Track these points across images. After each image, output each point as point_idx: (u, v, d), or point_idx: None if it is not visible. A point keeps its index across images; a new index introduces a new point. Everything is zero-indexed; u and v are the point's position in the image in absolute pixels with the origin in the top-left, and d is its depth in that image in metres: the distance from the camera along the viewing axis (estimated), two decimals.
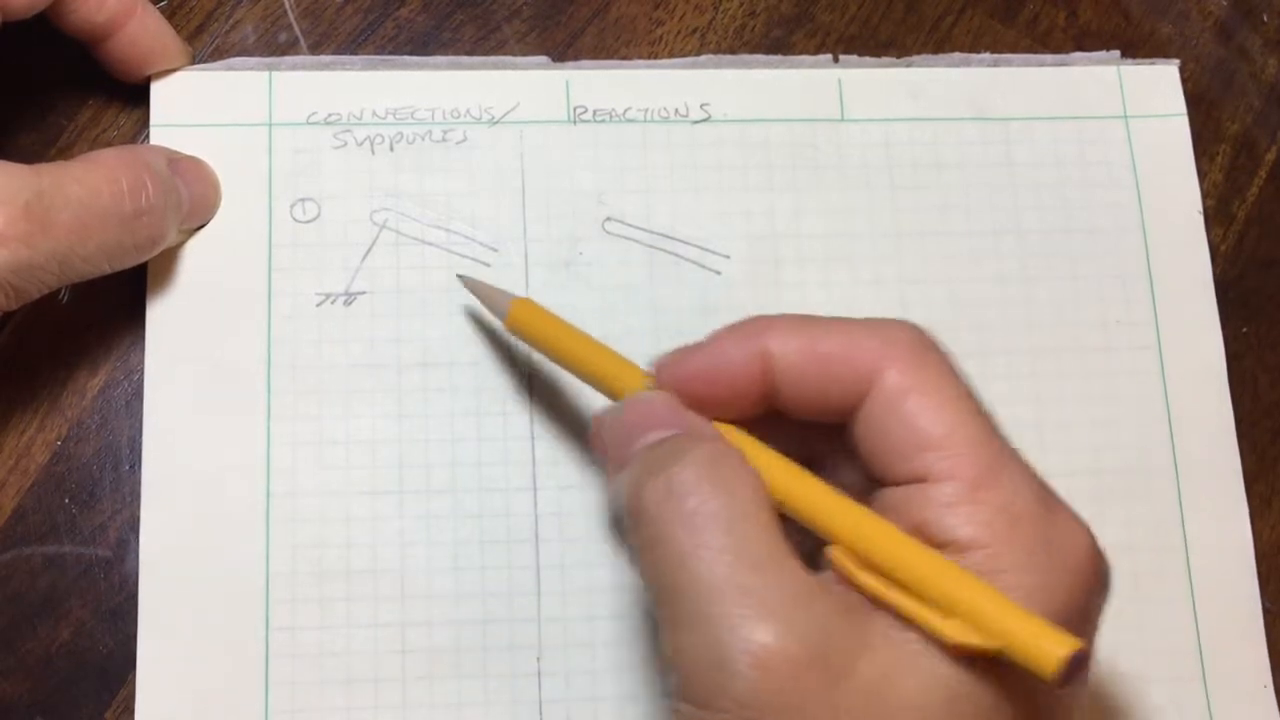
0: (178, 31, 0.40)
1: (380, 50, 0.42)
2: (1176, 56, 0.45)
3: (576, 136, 0.42)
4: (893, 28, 0.45)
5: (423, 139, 0.41)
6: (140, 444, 0.38)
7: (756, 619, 0.27)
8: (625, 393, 0.34)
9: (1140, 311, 0.42)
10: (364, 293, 0.40)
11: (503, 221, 0.41)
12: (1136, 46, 0.46)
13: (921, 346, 0.30)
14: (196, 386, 0.38)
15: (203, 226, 0.40)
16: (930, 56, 0.44)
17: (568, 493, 0.39)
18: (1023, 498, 0.28)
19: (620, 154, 0.42)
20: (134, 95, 0.41)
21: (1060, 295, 0.42)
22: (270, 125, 0.41)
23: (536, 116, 0.42)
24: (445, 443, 0.39)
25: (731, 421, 0.32)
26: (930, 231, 0.42)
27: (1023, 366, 0.42)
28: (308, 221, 0.40)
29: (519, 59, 0.42)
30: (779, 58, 0.44)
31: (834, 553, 0.29)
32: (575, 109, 0.42)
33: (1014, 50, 0.45)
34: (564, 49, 0.43)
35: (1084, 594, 0.29)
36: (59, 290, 0.37)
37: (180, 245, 0.39)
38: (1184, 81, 0.45)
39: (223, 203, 0.40)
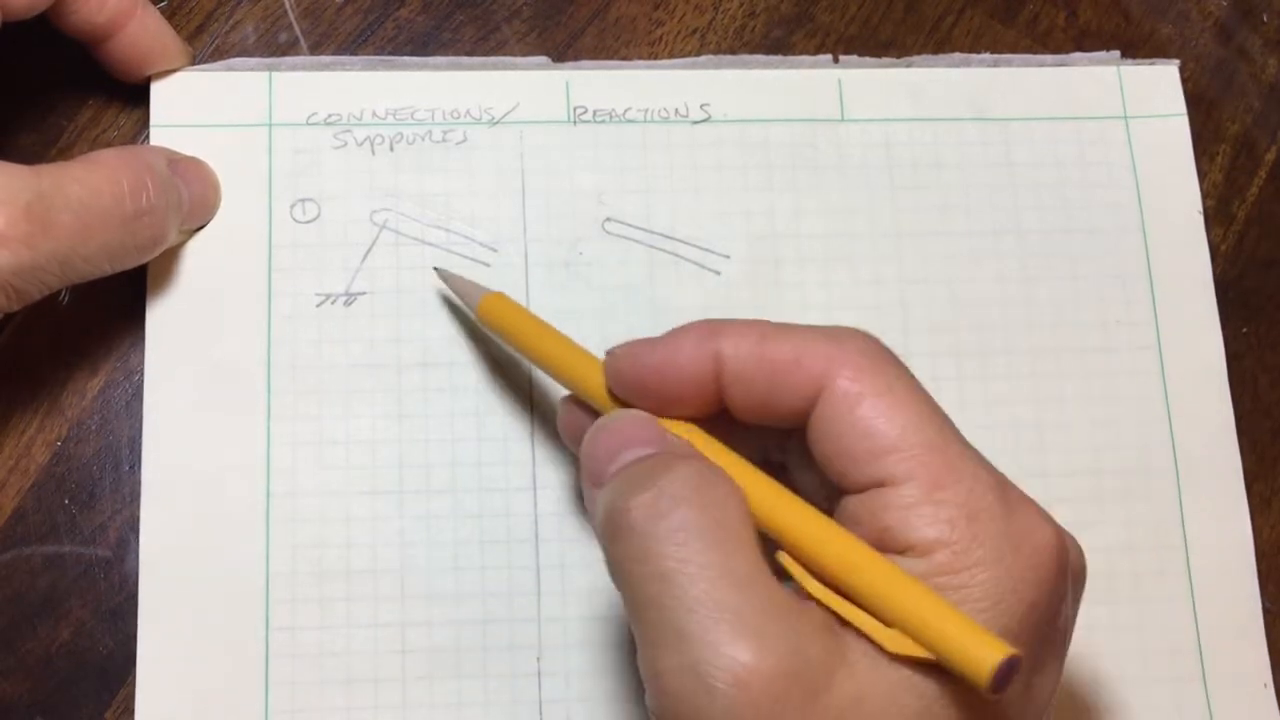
0: (178, 32, 0.40)
1: (380, 51, 0.42)
2: (1176, 56, 0.45)
3: (576, 136, 0.42)
4: (893, 28, 0.45)
5: (423, 139, 0.41)
6: (140, 444, 0.38)
7: (736, 637, 0.27)
8: (597, 391, 0.34)
9: (1140, 311, 0.42)
10: (364, 293, 0.40)
11: (503, 221, 0.41)
12: (1136, 46, 0.46)
13: (873, 352, 0.30)
14: (196, 386, 0.38)
15: (203, 227, 0.40)
16: (930, 57, 0.44)
17: (568, 493, 0.39)
18: (982, 495, 0.28)
19: (620, 154, 0.42)
20: (134, 95, 0.41)
21: (1060, 295, 0.42)
22: (270, 125, 0.41)
23: (536, 117, 0.42)
24: (445, 443, 0.39)
25: (692, 420, 0.32)
26: (930, 231, 0.42)
27: (1023, 366, 0.42)
28: (308, 222, 0.40)
29: (519, 59, 0.43)
30: (779, 58, 0.44)
31: (782, 559, 0.29)
32: (575, 109, 0.42)
33: (1014, 50, 0.45)
34: (564, 49, 0.43)
35: (1053, 585, 0.29)
36: (59, 291, 0.37)
37: (180, 245, 0.39)
38: (1184, 82, 0.45)
39: (223, 203, 0.40)
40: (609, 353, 0.33)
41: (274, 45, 0.42)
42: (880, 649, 0.27)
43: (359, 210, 0.40)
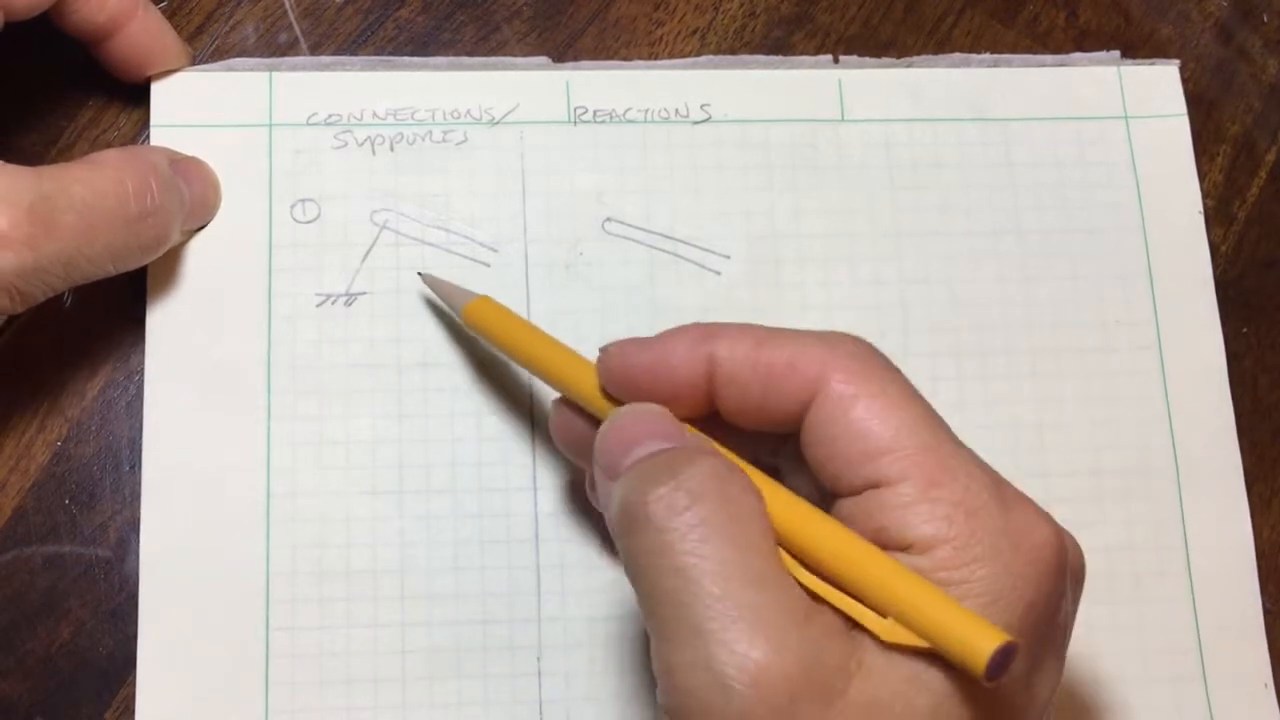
0: (178, 32, 0.40)
1: (380, 51, 0.42)
2: (1176, 57, 0.45)
3: (576, 137, 0.42)
4: (893, 28, 0.45)
5: (423, 139, 0.41)
6: (140, 444, 0.38)
7: (753, 635, 0.27)
8: (584, 391, 0.34)
9: (1140, 311, 0.42)
10: (364, 293, 0.40)
11: (503, 221, 0.41)
12: (1136, 47, 0.46)
13: (865, 355, 0.30)
14: (196, 386, 0.38)
15: (203, 227, 0.40)
16: (930, 57, 0.44)
17: (568, 493, 0.39)
18: (979, 493, 0.28)
19: (620, 154, 0.42)
20: (134, 96, 0.41)
21: (1060, 295, 0.42)
22: (270, 126, 0.41)
23: (537, 117, 0.42)
24: (445, 443, 0.39)
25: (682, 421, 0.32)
26: (930, 231, 0.42)
27: (1023, 366, 0.42)
28: (308, 222, 0.40)
29: (519, 59, 0.43)
30: (779, 58, 0.44)
31: (779, 553, 0.29)
32: (575, 109, 0.42)
33: (1014, 51, 0.45)
34: (564, 49, 0.43)
35: (1053, 583, 0.29)
36: (62, 293, 0.37)
37: (181, 246, 0.39)
38: (1184, 82, 0.45)
39: (223, 203, 0.40)
40: (602, 350, 0.33)
41: (274, 45, 0.42)
42: (876, 639, 0.28)
43: (359, 210, 0.40)
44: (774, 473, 0.33)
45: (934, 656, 0.27)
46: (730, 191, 0.42)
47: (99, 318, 0.39)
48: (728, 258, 0.41)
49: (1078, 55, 0.45)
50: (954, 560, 0.28)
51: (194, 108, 0.40)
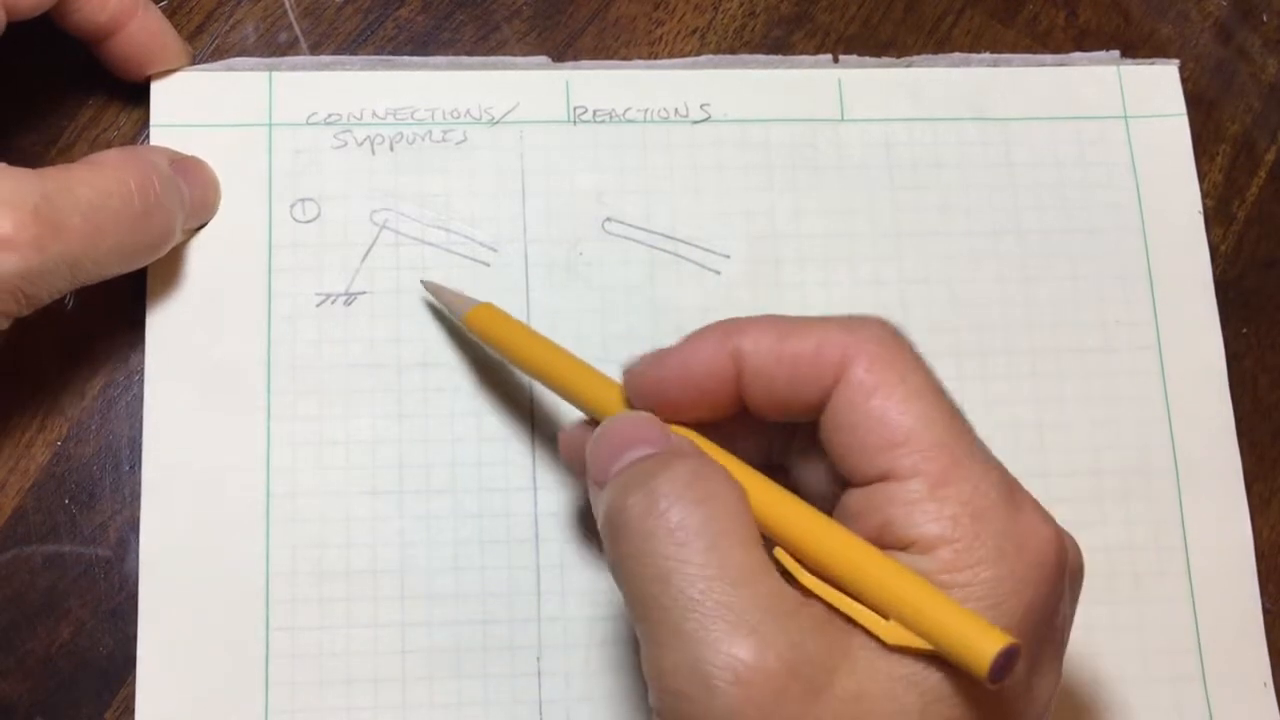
0: (178, 31, 0.40)
1: (380, 50, 0.42)
2: (1176, 56, 0.45)
3: (576, 136, 0.42)
4: (893, 28, 0.45)
5: (423, 139, 0.41)
6: (140, 444, 0.38)
7: (735, 635, 0.27)
8: (587, 397, 0.34)
9: (1140, 311, 0.42)
10: (364, 293, 0.40)
11: (503, 221, 0.41)
12: (1136, 46, 0.46)
13: (889, 341, 0.30)
14: (196, 386, 0.38)
15: (203, 226, 0.40)
16: (930, 56, 0.44)
17: (568, 493, 0.39)
18: (987, 493, 0.29)
19: (620, 154, 0.42)
20: (134, 95, 0.41)
21: (1060, 295, 0.42)
22: (270, 125, 0.41)
23: (536, 116, 0.42)
24: (445, 443, 0.39)
25: (704, 423, 0.32)
26: (930, 231, 0.42)
27: (1023, 366, 0.42)
28: (308, 221, 0.40)
29: (519, 59, 0.43)
30: (779, 58, 0.44)
31: (779, 554, 0.29)
32: (575, 109, 0.42)
33: (1014, 50, 0.45)
34: (564, 49, 0.43)
35: (1053, 585, 0.29)
36: (65, 295, 0.37)
37: (181, 246, 0.39)
38: (1184, 81, 0.45)
39: (223, 203, 0.40)
40: (626, 370, 0.33)
41: (274, 45, 0.42)
42: (879, 641, 0.28)
43: (359, 210, 0.40)
44: (781, 470, 0.33)
45: (927, 655, 0.27)
46: (730, 191, 0.42)
47: (99, 318, 0.39)
48: (728, 258, 0.41)
49: (1078, 55, 0.45)
50: (957, 563, 0.28)
51: (194, 107, 0.40)
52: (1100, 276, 0.43)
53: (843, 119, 0.43)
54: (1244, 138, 0.46)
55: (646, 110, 0.42)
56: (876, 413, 0.29)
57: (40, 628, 0.37)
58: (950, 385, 0.41)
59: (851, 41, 0.44)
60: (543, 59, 0.43)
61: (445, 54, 0.43)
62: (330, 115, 0.41)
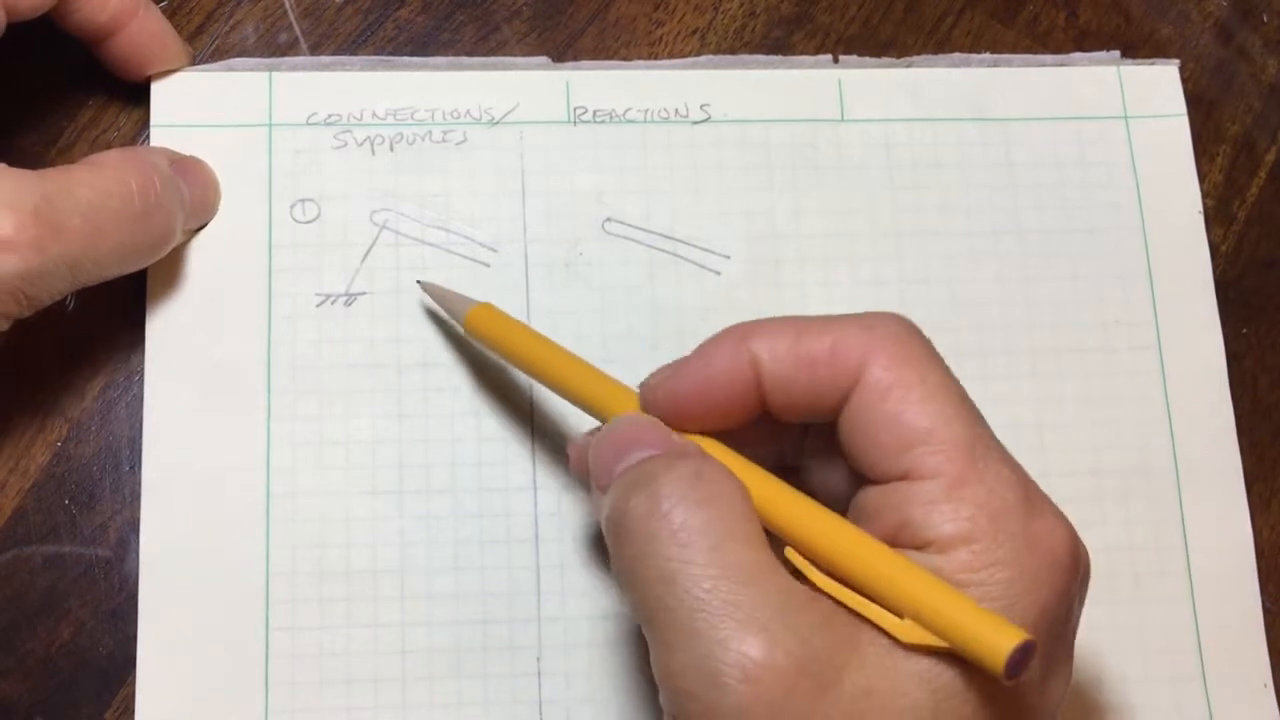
0: (178, 31, 0.40)
1: (380, 51, 0.42)
2: (1176, 57, 0.45)
3: (576, 137, 0.42)
4: (893, 28, 0.45)
5: (423, 139, 0.41)
6: (140, 444, 0.38)
7: (744, 633, 0.27)
8: (589, 397, 0.34)
9: (1140, 311, 0.42)
10: (364, 293, 0.40)
11: (503, 222, 0.41)
12: (1136, 47, 0.46)
13: (906, 339, 0.30)
14: (196, 386, 0.38)
15: (204, 227, 0.40)
16: (930, 57, 0.44)
17: (568, 493, 0.39)
18: (1004, 494, 0.29)
19: (620, 154, 0.42)
20: (134, 95, 0.41)
21: (1060, 295, 0.42)
22: (270, 126, 0.41)
23: (536, 117, 0.42)
24: (445, 443, 0.39)
25: (726, 430, 0.32)
26: (930, 231, 0.42)
27: (1023, 366, 0.42)
28: (308, 222, 0.40)
29: (519, 59, 0.43)
30: (779, 58, 0.44)
31: (790, 554, 0.29)
32: (575, 109, 0.42)
33: (1014, 50, 0.45)
34: (564, 49, 0.43)
35: (1066, 587, 0.29)
36: (65, 296, 0.37)
37: (181, 246, 0.39)
38: (1184, 82, 0.45)
39: (223, 203, 0.40)
40: (643, 386, 0.33)
41: (274, 45, 0.42)
42: (894, 640, 0.27)
43: (359, 210, 0.40)
44: (794, 471, 0.33)
45: (939, 652, 0.27)
46: (730, 191, 0.42)
47: (99, 318, 0.39)
48: (728, 258, 0.41)
49: (1078, 55, 0.45)
50: (973, 563, 0.28)
51: (194, 108, 0.40)
52: (1100, 276, 0.43)
53: (843, 119, 0.43)
54: (1244, 138, 0.46)
55: (646, 110, 0.42)
56: (894, 412, 0.29)
57: (40, 628, 0.37)
58: None
59: (851, 42, 0.44)
60: (543, 59, 0.43)
61: (445, 54, 0.43)
62: (330, 115, 0.41)
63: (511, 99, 0.42)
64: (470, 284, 0.40)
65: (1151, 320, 0.42)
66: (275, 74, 0.41)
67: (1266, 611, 0.41)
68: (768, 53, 0.44)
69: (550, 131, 0.42)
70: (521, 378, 0.39)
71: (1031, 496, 0.29)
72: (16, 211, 0.33)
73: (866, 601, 0.28)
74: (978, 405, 0.41)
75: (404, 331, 0.40)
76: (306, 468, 0.38)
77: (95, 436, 0.39)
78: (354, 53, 0.42)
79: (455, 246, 0.41)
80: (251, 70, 0.41)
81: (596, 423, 0.34)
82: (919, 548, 0.28)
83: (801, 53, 0.44)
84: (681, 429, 0.32)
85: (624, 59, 0.43)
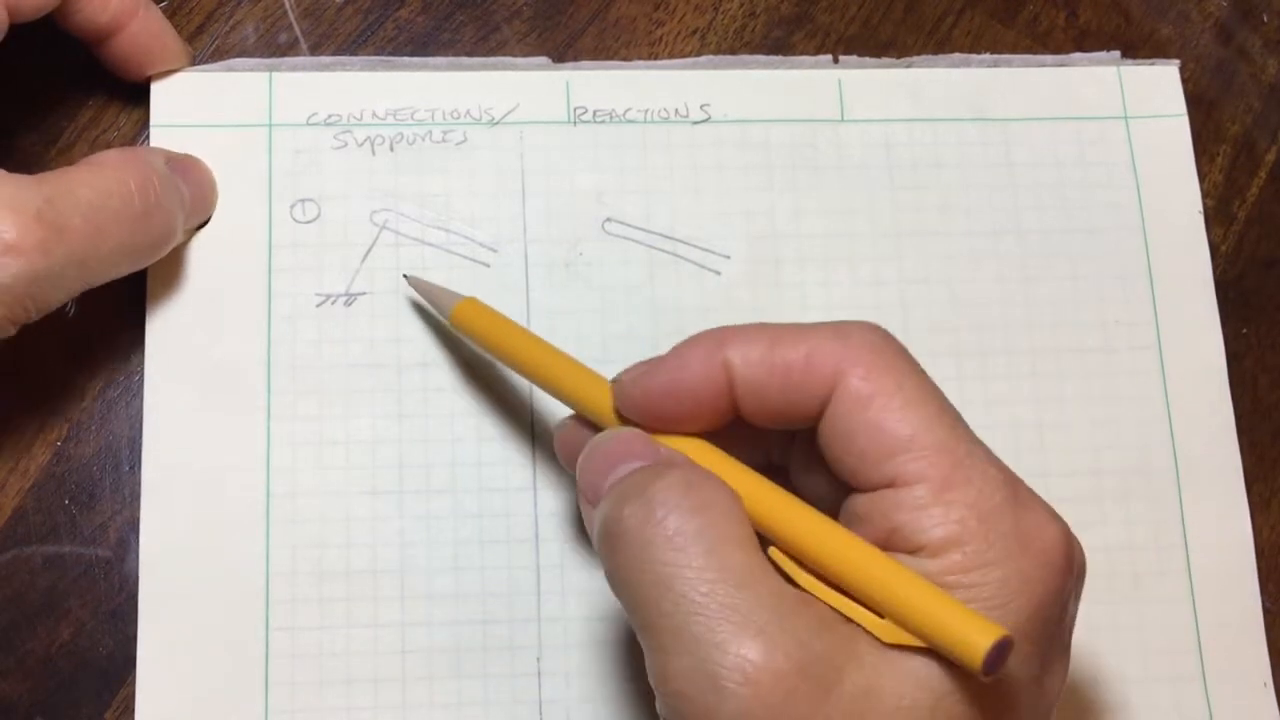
0: (178, 32, 0.40)
1: (380, 51, 0.42)
2: (1176, 57, 0.45)
3: (576, 137, 0.42)
4: (893, 28, 0.45)
5: (423, 139, 0.41)
6: (140, 444, 0.38)
7: (743, 636, 0.27)
8: (575, 393, 0.34)
9: (1140, 311, 0.42)
10: (364, 293, 0.40)
11: (503, 222, 0.41)
12: (1136, 47, 0.46)
13: (883, 348, 0.30)
14: (196, 386, 0.38)
15: (204, 225, 0.40)
16: (930, 57, 0.44)
17: (567, 493, 0.39)
18: (992, 494, 0.29)
19: (620, 154, 0.42)
20: (134, 95, 0.41)
21: (1060, 295, 0.42)
22: (270, 126, 0.41)
23: (536, 117, 0.42)
24: (445, 443, 0.39)
25: (697, 433, 0.32)
26: (930, 231, 0.42)
27: (1023, 366, 0.42)
28: (308, 222, 0.40)
29: (519, 59, 0.43)
30: (779, 58, 0.44)
31: (774, 553, 0.29)
32: (575, 109, 0.42)
33: (1014, 51, 0.45)
34: (564, 49, 0.43)
35: (1060, 584, 0.29)
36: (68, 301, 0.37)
37: (181, 246, 0.39)
38: (1184, 82, 0.45)
39: (223, 203, 0.40)
40: (615, 381, 0.33)
41: (274, 45, 0.42)
42: (875, 639, 0.28)
43: (359, 210, 0.40)
44: (782, 471, 0.33)
45: (933, 652, 0.27)
46: (730, 191, 0.42)
47: (99, 319, 0.39)
48: (728, 258, 0.41)
49: (1078, 55, 0.45)
50: (965, 564, 0.28)
51: (194, 108, 0.40)
52: (1100, 276, 0.43)
53: (843, 119, 0.43)
54: (1244, 138, 0.46)
55: (646, 110, 0.42)
56: (875, 420, 0.29)
57: (40, 628, 0.37)
58: (950, 385, 0.41)
59: (851, 42, 0.44)
60: (543, 59, 0.43)
61: (445, 54, 0.43)
62: (330, 116, 0.41)
63: (511, 99, 0.42)
64: (470, 284, 0.40)
65: (1151, 320, 0.42)
66: (275, 74, 0.41)
67: (1266, 611, 0.41)
68: (768, 53, 0.44)
69: (550, 131, 0.42)
70: (522, 377, 0.39)
71: (1019, 495, 0.29)
72: (20, 215, 0.33)
73: (847, 600, 0.28)
74: (978, 405, 0.41)
75: (404, 331, 0.40)
76: (306, 468, 0.38)
77: (95, 436, 0.39)
78: (354, 53, 0.42)
79: (455, 246, 0.41)
80: (251, 70, 0.41)
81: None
82: (911, 552, 0.29)
83: (801, 53, 0.44)
84: (652, 429, 0.32)
85: (624, 59, 0.43)
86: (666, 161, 0.42)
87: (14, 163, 0.39)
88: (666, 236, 0.41)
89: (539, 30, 0.43)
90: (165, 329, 0.39)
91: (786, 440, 0.33)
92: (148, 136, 0.40)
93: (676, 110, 0.42)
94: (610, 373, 0.34)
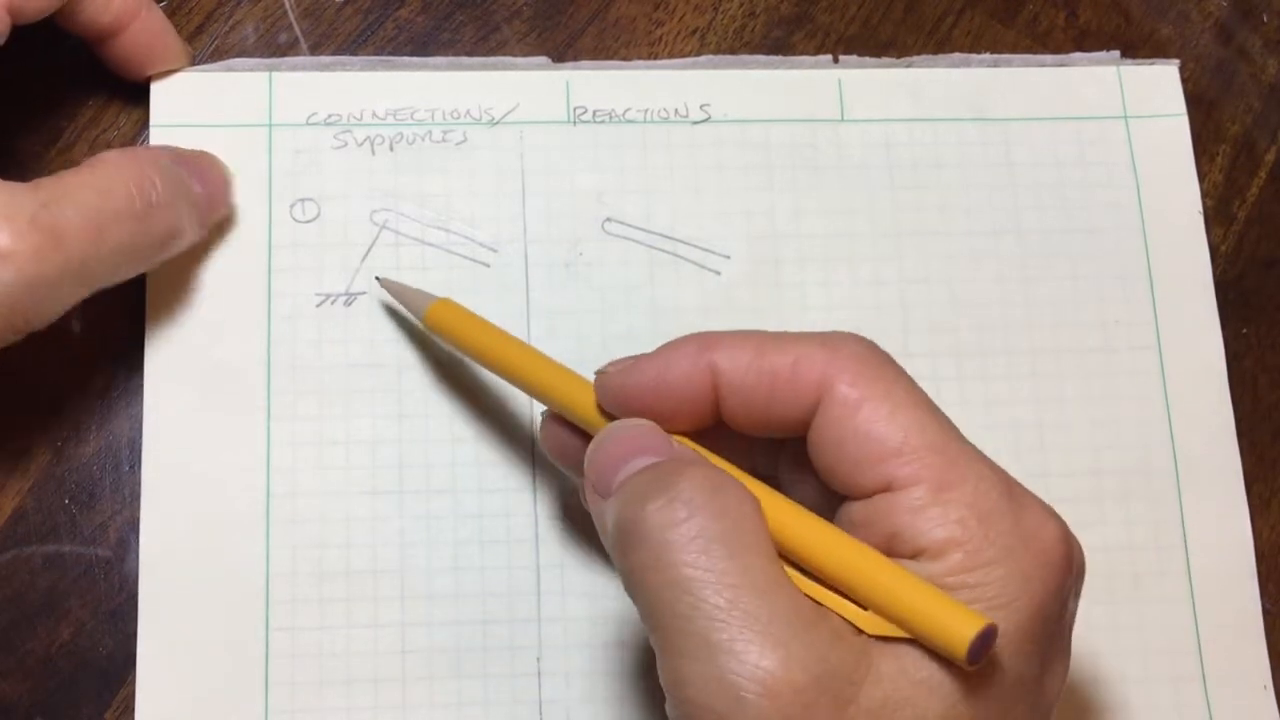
0: (178, 31, 0.40)
1: (380, 51, 0.42)
2: (1176, 57, 0.45)
3: (576, 137, 0.42)
4: (893, 28, 0.45)
5: (423, 139, 0.41)
6: (140, 444, 0.38)
7: (763, 644, 0.27)
8: (554, 394, 0.34)
9: (1140, 311, 0.42)
10: (364, 293, 0.40)
11: (503, 222, 0.41)
12: (1136, 47, 0.46)
13: (868, 356, 0.30)
14: (196, 387, 0.38)
15: (225, 220, 0.39)
16: (930, 57, 0.44)
17: (568, 492, 0.39)
18: (989, 493, 0.29)
19: (620, 154, 0.42)
20: (134, 95, 0.41)
21: (1060, 295, 0.42)
22: (270, 126, 0.41)
23: (536, 117, 0.42)
24: (445, 443, 0.39)
25: (681, 434, 0.32)
26: (930, 231, 0.42)
27: (1023, 366, 0.42)
28: (308, 222, 0.40)
29: (519, 59, 0.43)
30: (779, 58, 0.44)
31: None
32: (575, 109, 0.42)
33: (1014, 51, 0.45)
34: (564, 49, 0.43)
35: (1060, 581, 0.29)
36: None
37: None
38: (1184, 82, 0.45)
39: None
40: (599, 372, 0.33)
41: (274, 45, 0.42)
42: (859, 630, 0.28)
43: (359, 210, 0.40)
44: (772, 479, 0.33)
45: (947, 661, 0.27)
46: (730, 191, 0.42)
47: (99, 318, 0.39)
48: (728, 258, 0.41)
49: (1078, 55, 0.45)
50: (966, 564, 0.28)
51: (193, 108, 0.40)
52: (1100, 276, 0.43)
53: (843, 119, 0.43)
54: (1244, 138, 0.46)
55: (646, 110, 0.42)
56: (865, 427, 0.29)
57: (40, 628, 0.37)
58: (950, 385, 0.41)
59: (851, 42, 0.44)
60: (543, 59, 0.43)
61: (445, 54, 0.43)
62: (330, 115, 0.41)
63: (511, 99, 0.42)
64: (470, 284, 0.40)
65: (1151, 320, 0.42)
66: (275, 74, 0.41)
67: (1266, 612, 0.41)
68: (768, 53, 0.44)
69: (550, 131, 0.42)
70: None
71: (1015, 493, 0.29)
72: (13, 222, 0.32)
73: (830, 593, 0.28)
74: (978, 405, 0.41)
75: (404, 331, 0.40)
76: (306, 468, 0.38)
77: (95, 436, 0.39)
78: (354, 53, 0.42)
79: (455, 246, 0.41)
80: (251, 70, 0.41)
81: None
82: (912, 556, 0.29)
83: (801, 53, 0.44)
84: None
85: (624, 59, 0.43)
86: (666, 161, 0.42)
87: (14, 162, 0.39)
88: (666, 236, 0.41)
89: (539, 30, 0.43)
90: (165, 329, 0.39)
91: (772, 450, 0.33)
92: (147, 136, 0.40)
93: (676, 110, 0.42)
94: None
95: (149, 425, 0.38)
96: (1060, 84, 0.44)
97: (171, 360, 0.39)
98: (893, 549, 0.29)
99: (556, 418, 0.35)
